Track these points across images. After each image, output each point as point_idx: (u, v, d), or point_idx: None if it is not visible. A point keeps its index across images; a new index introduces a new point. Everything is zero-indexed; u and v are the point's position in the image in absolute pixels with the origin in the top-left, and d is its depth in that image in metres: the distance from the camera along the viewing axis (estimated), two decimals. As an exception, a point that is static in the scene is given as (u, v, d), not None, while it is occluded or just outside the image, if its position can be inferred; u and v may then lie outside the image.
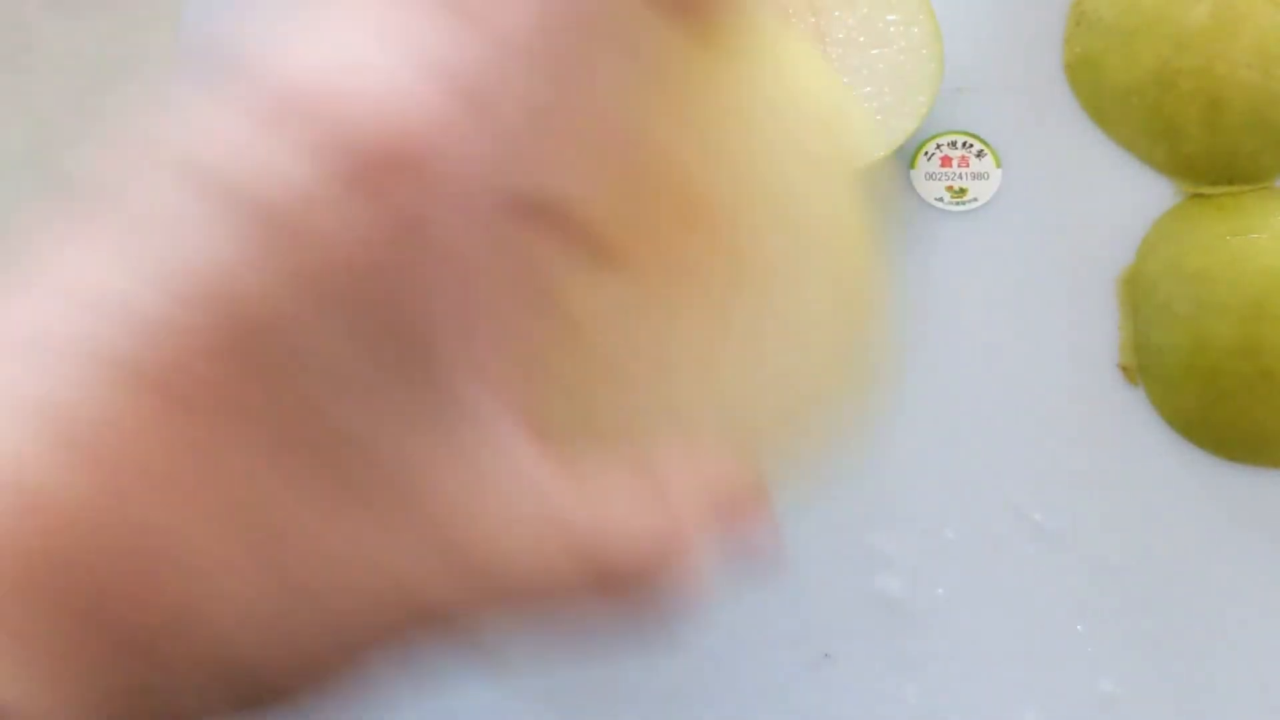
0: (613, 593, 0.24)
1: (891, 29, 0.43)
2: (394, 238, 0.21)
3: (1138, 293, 0.43)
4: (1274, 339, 0.40)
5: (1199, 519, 0.41)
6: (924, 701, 0.38)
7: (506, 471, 0.23)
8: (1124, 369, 0.42)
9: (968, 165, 0.45)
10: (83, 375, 0.20)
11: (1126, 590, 0.40)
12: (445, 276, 0.21)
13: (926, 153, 0.45)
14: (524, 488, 0.23)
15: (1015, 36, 0.46)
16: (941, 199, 0.44)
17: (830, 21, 0.43)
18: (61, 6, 0.67)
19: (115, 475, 0.20)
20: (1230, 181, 0.43)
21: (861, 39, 0.43)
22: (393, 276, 0.21)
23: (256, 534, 0.21)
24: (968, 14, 0.46)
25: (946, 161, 0.45)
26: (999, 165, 0.45)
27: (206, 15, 0.47)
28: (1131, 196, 0.44)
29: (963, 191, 0.44)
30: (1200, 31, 0.43)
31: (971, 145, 0.45)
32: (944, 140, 0.45)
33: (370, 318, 0.21)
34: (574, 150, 0.24)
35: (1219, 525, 0.41)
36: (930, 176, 0.45)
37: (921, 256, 0.44)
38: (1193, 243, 0.42)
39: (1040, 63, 0.46)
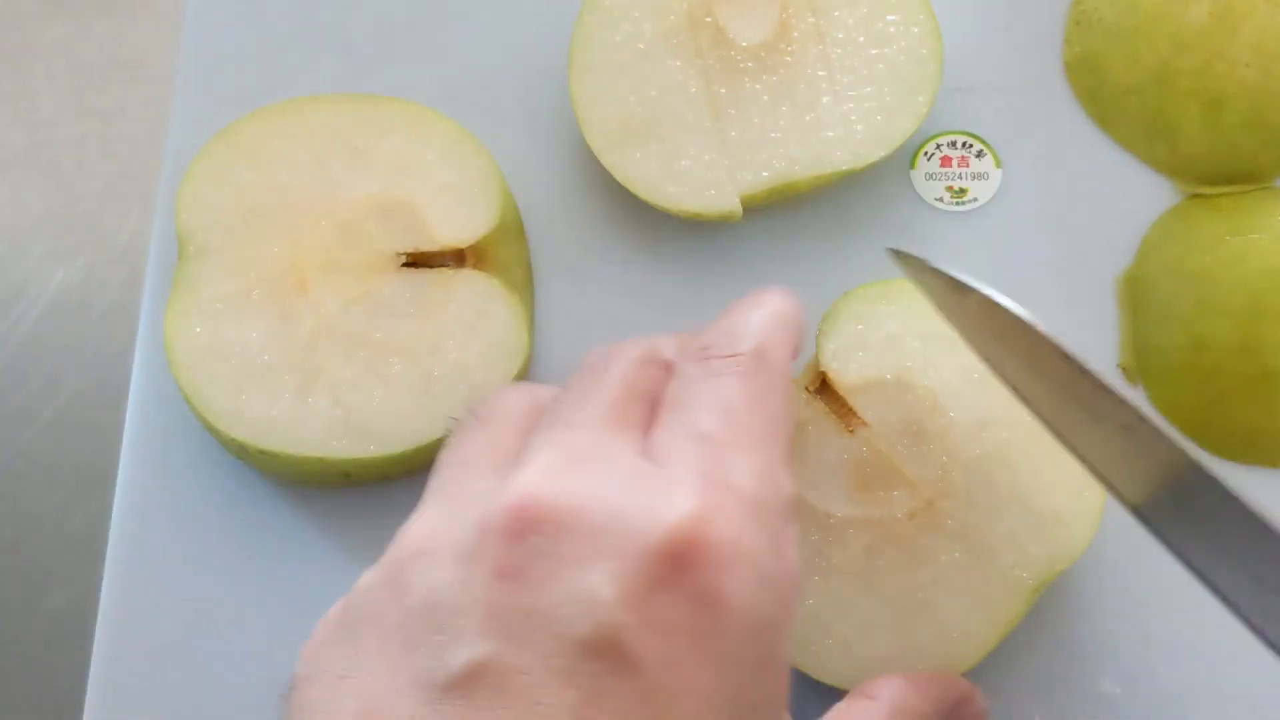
0: None
1: (891, 29, 0.43)
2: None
3: (1137, 293, 0.43)
4: (1274, 338, 0.40)
5: (1199, 519, 0.41)
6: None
7: None
8: (1124, 369, 0.42)
9: (967, 165, 0.45)
10: None
11: (1127, 589, 0.40)
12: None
13: (926, 153, 0.45)
14: None
15: (1015, 36, 0.46)
16: (941, 199, 0.44)
17: (830, 21, 0.43)
18: (61, 7, 0.67)
19: None
20: (1230, 181, 0.43)
21: (861, 39, 0.43)
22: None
23: None
24: (968, 14, 0.46)
25: (946, 161, 0.45)
26: (999, 165, 0.45)
27: (207, 15, 0.47)
28: (1131, 196, 0.44)
29: (963, 192, 0.44)
30: (1200, 31, 0.43)
31: (971, 145, 0.45)
32: (944, 140, 0.45)
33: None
34: None
35: (1219, 525, 0.41)
36: (930, 177, 0.45)
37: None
38: (1192, 243, 0.42)
39: (1040, 63, 0.46)
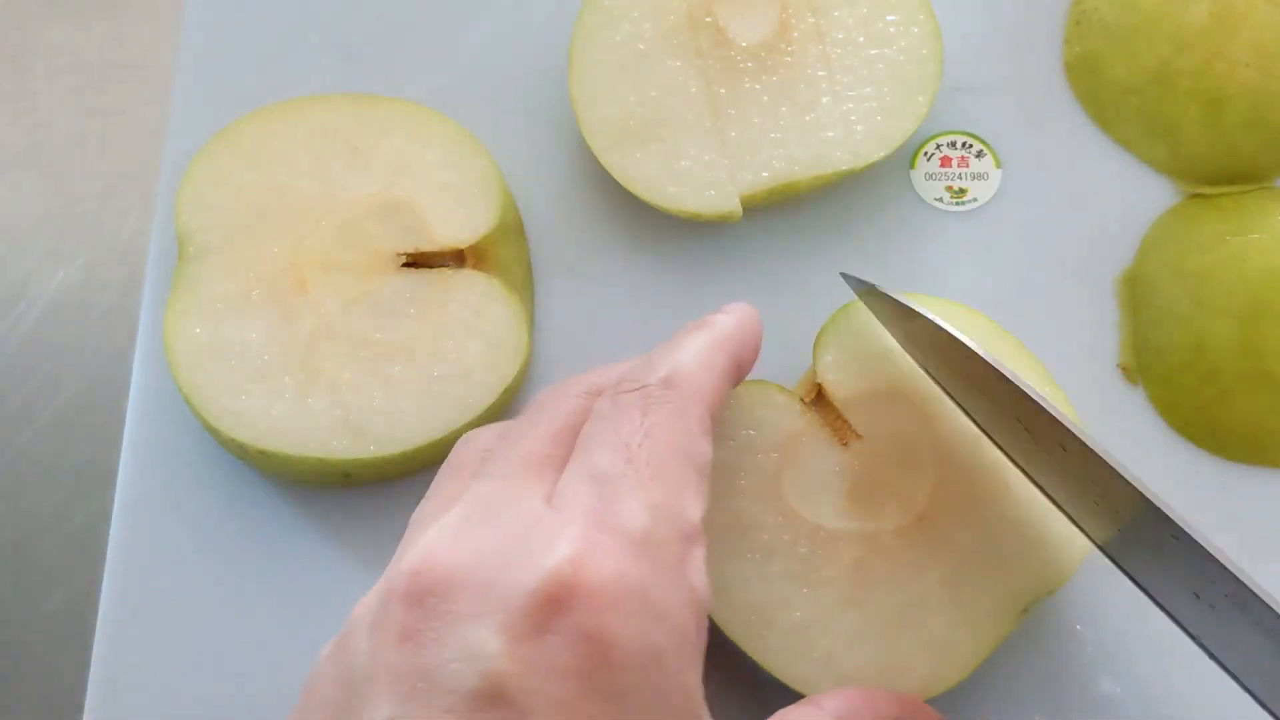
0: None
1: (891, 29, 0.43)
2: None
3: (1137, 292, 0.43)
4: (1273, 339, 0.40)
5: (1199, 519, 0.41)
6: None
7: None
8: (1124, 369, 0.42)
9: (967, 165, 0.45)
10: None
11: (1126, 590, 0.40)
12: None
13: (926, 153, 0.45)
14: None
15: (1015, 36, 0.46)
16: (941, 199, 0.44)
17: (830, 22, 0.43)
18: (61, 7, 0.67)
19: None
20: (1230, 181, 0.43)
21: (861, 39, 0.43)
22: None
23: None
24: (967, 14, 0.46)
25: (946, 162, 0.45)
26: (999, 165, 0.45)
27: (207, 15, 0.47)
28: (1131, 196, 0.44)
29: (962, 192, 0.44)
30: (1200, 31, 0.43)
31: (971, 145, 0.45)
32: (944, 140, 0.45)
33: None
34: None
35: (1219, 525, 0.41)
36: (930, 177, 0.45)
37: (921, 257, 0.44)
38: (1192, 242, 0.42)
39: (1040, 63, 0.46)
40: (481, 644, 0.27)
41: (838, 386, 0.39)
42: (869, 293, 0.38)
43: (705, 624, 0.30)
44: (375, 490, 0.41)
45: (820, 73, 0.43)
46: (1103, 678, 0.39)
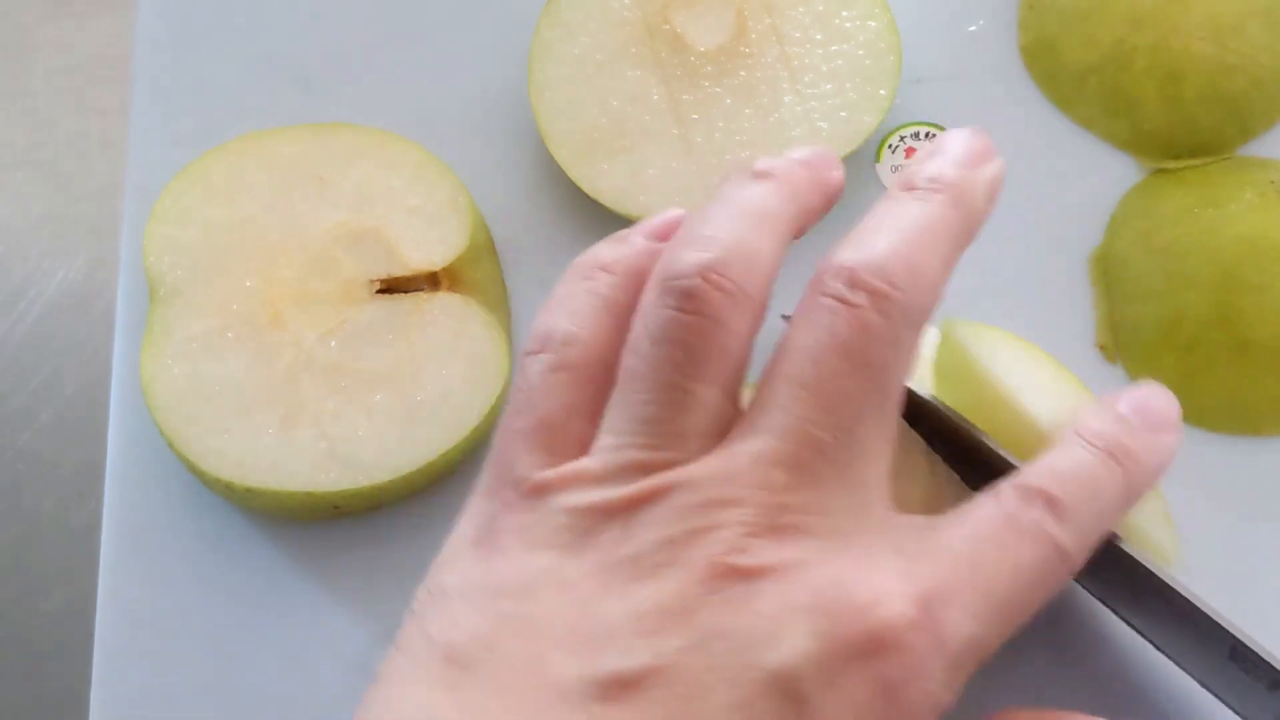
0: None
1: (848, 25, 0.44)
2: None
3: (1109, 270, 0.43)
4: (1248, 308, 0.41)
5: (1183, 490, 0.41)
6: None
7: None
8: (1101, 347, 0.43)
9: (932, 155, 0.45)
10: None
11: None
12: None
13: (891, 145, 0.45)
14: None
15: (970, 23, 0.46)
16: (909, 190, 0.45)
17: (787, 21, 0.43)
18: (61, 6, 0.66)
19: None
20: (1192, 154, 0.44)
21: (819, 36, 0.43)
22: None
23: None
24: (922, 4, 0.46)
25: (911, 153, 0.45)
26: (964, 153, 0.45)
27: (158, 56, 0.47)
28: (1096, 175, 0.44)
29: (930, 182, 0.45)
30: (1153, 8, 0.43)
31: (934, 135, 0.45)
32: (907, 132, 0.45)
33: None
34: None
35: (1202, 495, 0.41)
36: (896, 169, 0.45)
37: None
38: (1160, 217, 0.43)
39: (997, 49, 0.46)
40: (797, 637, 0.28)
41: None
42: None
43: None
44: (369, 520, 0.41)
45: (781, 73, 0.43)
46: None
